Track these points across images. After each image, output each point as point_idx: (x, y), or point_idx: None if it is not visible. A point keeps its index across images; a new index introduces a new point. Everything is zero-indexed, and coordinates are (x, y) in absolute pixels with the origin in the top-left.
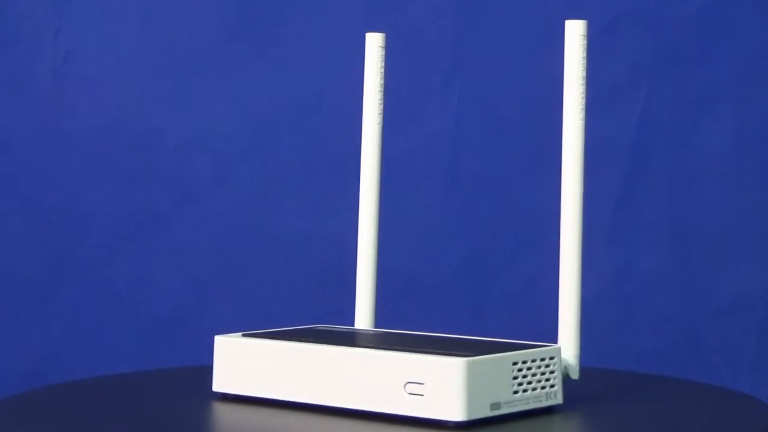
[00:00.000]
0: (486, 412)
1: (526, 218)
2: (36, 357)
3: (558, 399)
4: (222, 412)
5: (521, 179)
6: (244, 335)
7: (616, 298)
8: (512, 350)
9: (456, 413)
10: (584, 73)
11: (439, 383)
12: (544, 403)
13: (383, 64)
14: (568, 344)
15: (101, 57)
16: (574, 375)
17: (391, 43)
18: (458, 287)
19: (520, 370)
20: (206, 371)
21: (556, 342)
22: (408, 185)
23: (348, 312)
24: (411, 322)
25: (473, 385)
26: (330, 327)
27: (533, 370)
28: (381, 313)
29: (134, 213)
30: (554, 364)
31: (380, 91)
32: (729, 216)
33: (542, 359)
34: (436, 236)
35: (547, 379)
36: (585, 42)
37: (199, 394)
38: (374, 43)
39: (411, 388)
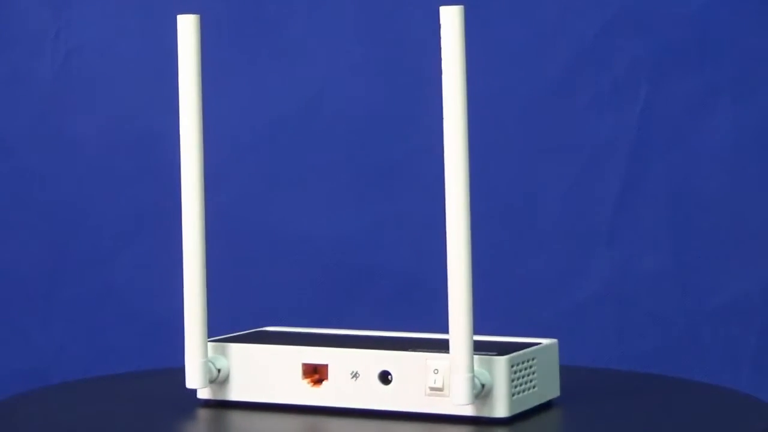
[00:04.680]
0: None
1: (526, 218)
2: (36, 357)
3: None
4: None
5: (522, 179)
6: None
7: (616, 298)
8: None
9: None
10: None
11: None
12: None
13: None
14: None
15: (101, 57)
16: None
17: (390, 43)
18: None
19: None
20: None
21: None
22: (408, 186)
23: (349, 313)
24: (410, 322)
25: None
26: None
27: None
28: (380, 313)
29: (134, 213)
30: None
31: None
32: (729, 216)
33: None
34: (435, 236)
35: None
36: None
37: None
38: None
39: None
